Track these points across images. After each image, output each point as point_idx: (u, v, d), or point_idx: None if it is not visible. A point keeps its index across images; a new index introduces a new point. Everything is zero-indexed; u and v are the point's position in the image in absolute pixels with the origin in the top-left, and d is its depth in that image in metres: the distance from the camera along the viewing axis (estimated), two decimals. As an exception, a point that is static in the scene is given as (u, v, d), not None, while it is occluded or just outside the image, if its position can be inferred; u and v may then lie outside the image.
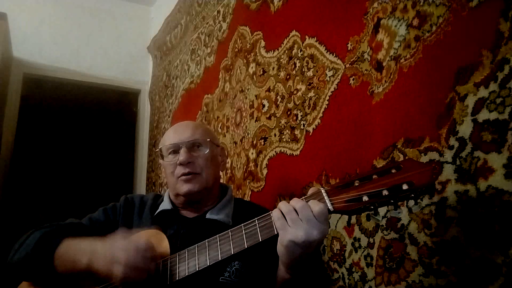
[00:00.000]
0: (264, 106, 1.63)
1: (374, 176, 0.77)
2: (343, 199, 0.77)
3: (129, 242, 0.89)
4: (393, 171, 0.76)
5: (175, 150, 1.14)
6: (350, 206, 0.76)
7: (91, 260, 0.90)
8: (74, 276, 0.95)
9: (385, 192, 0.74)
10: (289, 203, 0.81)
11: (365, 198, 0.75)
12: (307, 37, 1.41)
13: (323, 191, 0.80)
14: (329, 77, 1.27)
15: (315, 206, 0.78)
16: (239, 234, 0.86)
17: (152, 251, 0.91)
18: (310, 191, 0.84)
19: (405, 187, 0.73)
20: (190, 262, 0.90)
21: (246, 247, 0.85)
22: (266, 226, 0.83)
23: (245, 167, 1.71)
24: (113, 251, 0.88)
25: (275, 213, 0.81)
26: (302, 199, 0.81)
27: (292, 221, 0.78)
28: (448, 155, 0.88)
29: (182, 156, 1.11)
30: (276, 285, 0.93)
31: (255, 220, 0.86)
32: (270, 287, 0.95)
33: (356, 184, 0.78)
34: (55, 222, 1.14)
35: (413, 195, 0.74)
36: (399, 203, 0.77)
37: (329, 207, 0.78)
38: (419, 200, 0.76)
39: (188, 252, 0.92)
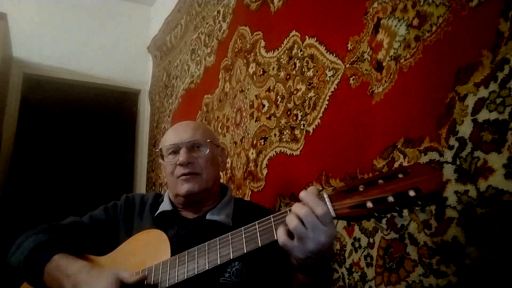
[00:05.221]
0: (264, 106, 1.63)
1: (380, 181, 0.72)
2: (346, 205, 0.74)
3: (111, 283, 0.88)
4: (400, 176, 0.71)
5: (175, 151, 1.14)
6: (354, 213, 0.73)
7: None
8: None
9: (390, 199, 0.70)
10: (292, 211, 0.76)
11: (369, 205, 0.71)
12: (307, 37, 1.41)
13: (325, 195, 0.76)
14: (329, 77, 1.27)
15: (318, 209, 0.73)
16: (238, 238, 0.85)
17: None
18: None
19: (411, 193, 0.68)
20: (190, 265, 0.90)
21: (245, 251, 0.83)
22: (266, 231, 0.81)
23: (245, 167, 1.71)
24: None
25: (280, 235, 0.76)
26: (303, 205, 0.75)
27: (299, 237, 0.73)
28: (448, 155, 0.88)
29: (182, 156, 1.11)
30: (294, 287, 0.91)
31: (255, 223, 0.83)
32: (271, 287, 0.95)
33: (361, 189, 0.73)
34: (54, 222, 1.14)
35: (420, 202, 0.69)
36: (405, 210, 0.72)
37: (332, 213, 0.74)
38: (426, 208, 0.73)
39: (188, 255, 0.92)
